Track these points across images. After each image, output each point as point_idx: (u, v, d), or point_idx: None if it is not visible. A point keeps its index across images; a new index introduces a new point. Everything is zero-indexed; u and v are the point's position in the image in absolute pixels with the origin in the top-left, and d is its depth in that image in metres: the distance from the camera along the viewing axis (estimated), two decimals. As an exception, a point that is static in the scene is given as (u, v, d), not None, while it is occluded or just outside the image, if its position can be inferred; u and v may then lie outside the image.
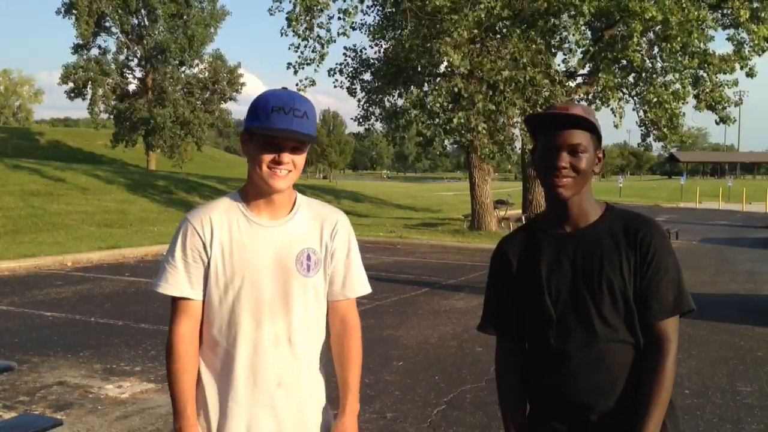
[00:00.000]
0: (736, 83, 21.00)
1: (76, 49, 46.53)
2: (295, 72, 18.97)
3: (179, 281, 1.94)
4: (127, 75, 49.61)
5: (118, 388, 5.57)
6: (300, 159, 1.95)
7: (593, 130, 1.91)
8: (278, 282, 1.97)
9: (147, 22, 47.93)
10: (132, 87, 49.61)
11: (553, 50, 18.99)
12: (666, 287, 1.89)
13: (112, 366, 6.20)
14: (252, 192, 1.99)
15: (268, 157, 1.89)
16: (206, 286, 1.95)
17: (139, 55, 48.66)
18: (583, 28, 18.59)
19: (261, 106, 1.91)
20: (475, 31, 17.57)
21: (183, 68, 49.61)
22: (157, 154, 48.25)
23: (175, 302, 1.96)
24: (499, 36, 18.15)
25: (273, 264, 1.96)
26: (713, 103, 20.39)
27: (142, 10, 47.46)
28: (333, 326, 2.11)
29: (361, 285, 2.13)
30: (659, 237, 1.92)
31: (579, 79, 21.39)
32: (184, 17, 48.05)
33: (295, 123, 1.88)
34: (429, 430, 4.80)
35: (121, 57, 48.76)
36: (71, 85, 45.92)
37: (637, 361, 1.89)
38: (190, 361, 1.96)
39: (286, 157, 1.90)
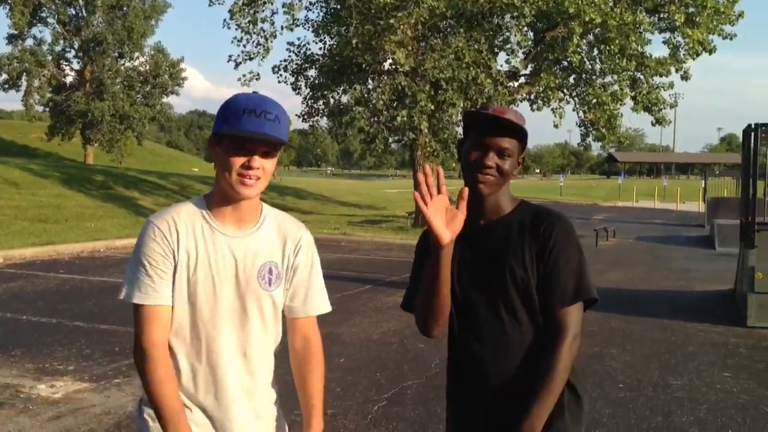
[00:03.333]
0: (671, 86, 21.68)
1: (10, 39, 44.96)
2: (236, 66, 18.78)
3: (153, 288, 1.85)
4: (64, 67, 48.15)
5: (51, 388, 5.41)
6: (270, 164, 1.87)
7: (522, 137, 2.02)
8: (238, 294, 1.92)
9: (85, 13, 46.60)
10: (69, 79, 48.15)
11: (495, 50, 19.24)
12: (566, 276, 1.96)
13: (45, 365, 6.01)
14: (218, 199, 1.92)
15: (238, 162, 1.82)
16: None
17: (76, 47, 47.30)
18: (525, 29, 18.91)
19: (231, 109, 1.84)
20: (420, 28, 17.68)
21: (122, 61, 48.40)
22: (95, 148, 46.96)
23: (144, 309, 1.85)
24: (442, 35, 18.29)
25: (235, 276, 1.92)
26: (650, 105, 20.98)
27: (80, 1, 46.13)
28: (294, 344, 2.08)
29: (323, 303, 2.10)
30: (561, 228, 2.00)
31: (522, 80, 21.73)
32: (124, 8, 46.87)
33: (266, 126, 1.81)
34: (369, 425, 4.82)
35: (58, 48, 47.31)
36: (5, 76, 44.32)
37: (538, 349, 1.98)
38: (169, 367, 1.86)
39: (257, 161, 1.83)
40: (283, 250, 2.00)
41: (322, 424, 2.09)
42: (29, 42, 46.21)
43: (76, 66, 48.38)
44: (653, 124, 21.91)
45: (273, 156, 1.88)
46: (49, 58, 46.49)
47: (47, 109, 47.38)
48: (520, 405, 1.91)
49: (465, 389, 2.08)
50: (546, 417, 1.88)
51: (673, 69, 20.91)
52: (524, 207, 2.09)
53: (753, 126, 8.73)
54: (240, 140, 1.82)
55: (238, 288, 1.92)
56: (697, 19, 19.51)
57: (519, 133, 2.00)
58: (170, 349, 1.90)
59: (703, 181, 30.27)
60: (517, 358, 1.98)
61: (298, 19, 18.80)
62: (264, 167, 1.85)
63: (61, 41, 47.08)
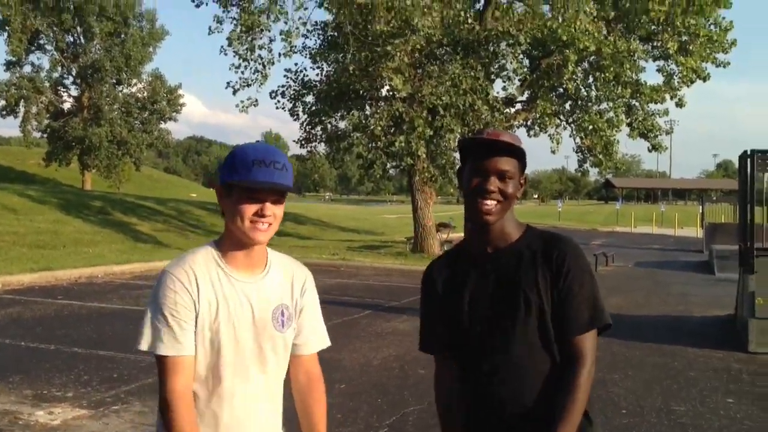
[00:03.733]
0: (666, 113, 21.83)
1: (9, 66, 45.27)
2: (234, 92, 18.90)
3: (175, 338, 1.87)
4: (61, 93, 48.43)
5: (49, 414, 5.36)
6: (280, 211, 1.95)
7: (521, 158, 2.00)
8: (256, 338, 1.98)
9: (83, 40, 46.98)
10: (67, 105, 48.42)
11: (492, 77, 19.39)
12: (581, 303, 1.95)
13: (43, 391, 5.96)
14: (230, 246, 1.98)
15: (250, 211, 1.88)
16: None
17: (74, 73, 47.59)
18: (520, 56, 19.07)
19: (240, 160, 1.90)
20: (417, 55, 17.83)
21: (120, 87, 48.70)
22: (93, 174, 47.08)
23: (167, 360, 1.87)
24: (439, 62, 18.43)
25: (252, 320, 1.97)
26: (645, 131, 21.11)
27: (78, 28, 46.50)
28: (297, 380, 2.14)
29: (324, 339, 2.18)
30: (573, 254, 1.98)
31: (518, 106, 21.87)
32: (122, 36, 47.30)
33: (276, 175, 1.88)
34: (371, 453, 4.77)
35: (55, 75, 47.58)
36: (3, 102, 44.63)
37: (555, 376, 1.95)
38: (192, 417, 1.89)
39: (269, 209, 1.90)
40: (291, 292, 2.08)
41: None
42: (27, 69, 46.64)
43: (74, 92, 48.81)
44: (650, 150, 22.04)
45: (282, 202, 1.95)
46: (47, 84, 46.82)
47: (45, 135, 47.55)
48: None
49: (475, 418, 2.06)
50: None
51: (667, 96, 21.07)
52: (531, 232, 2.07)
53: (749, 152, 8.78)
54: (252, 190, 1.88)
55: (255, 332, 1.97)
56: (691, 48, 19.71)
57: (517, 153, 1.98)
58: (195, 396, 1.92)
59: (701, 207, 30.35)
60: (531, 387, 1.95)
61: (296, 46, 18.95)
62: (275, 214, 1.92)
63: (59, 68, 47.45)
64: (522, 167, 2.03)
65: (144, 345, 1.89)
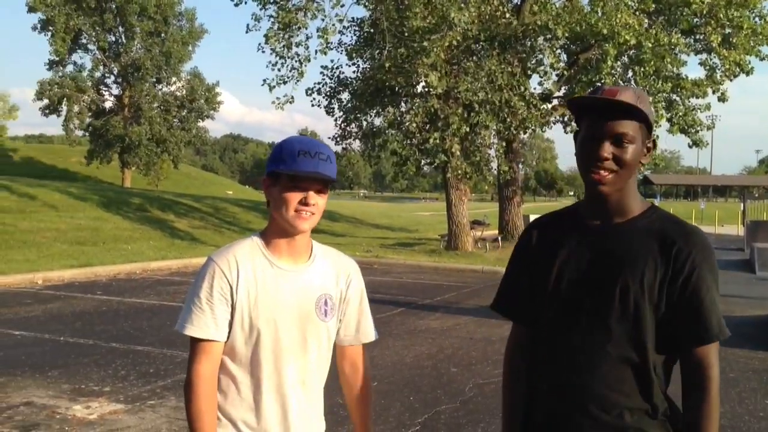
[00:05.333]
0: (708, 107, 21.36)
1: (52, 65, 46.22)
2: (270, 89, 19.01)
3: (205, 323, 1.95)
4: (103, 92, 49.33)
5: (87, 409, 5.45)
6: (323, 201, 2.00)
7: (644, 118, 1.75)
8: (298, 326, 2.01)
9: (124, 39, 47.78)
10: (108, 104, 49.34)
11: (528, 73, 19.20)
12: (709, 310, 1.72)
13: (81, 386, 6.07)
14: (274, 235, 2.04)
15: (295, 199, 1.95)
16: (231, 328, 1.97)
17: (115, 72, 48.44)
18: (558, 51, 18.85)
19: (286, 151, 1.97)
20: (453, 50, 17.73)
21: (160, 86, 49.43)
22: (132, 172, 47.89)
23: (197, 343, 1.96)
24: (475, 57, 18.31)
25: (294, 308, 2.01)
26: (686, 127, 20.71)
27: (120, 27, 47.33)
28: (344, 371, 2.20)
29: (371, 331, 2.21)
30: (701, 250, 1.74)
31: (555, 102, 21.63)
32: (162, 35, 48.00)
33: (320, 166, 1.94)
34: (402, 451, 4.76)
35: (97, 74, 48.49)
36: (46, 101, 45.56)
37: (635, 382, 1.75)
38: (212, 402, 1.96)
39: (312, 198, 1.95)
40: (336, 282, 2.12)
41: None
42: (70, 68, 47.60)
43: (115, 91, 49.62)
44: (690, 146, 21.62)
45: (325, 192, 2.01)
46: (89, 83, 47.73)
47: (87, 134, 48.48)
48: None
49: (540, 400, 1.86)
50: None
51: (709, 90, 20.64)
52: (654, 212, 1.81)
53: (794, 147, 8.55)
54: (297, 179, 1.94)
55: (297, 320, 2.01)
56: (734, 40, 19.27)
57: (638, 114, 1.72)
58: (234, 381, 1.99)
59: (742, 204, 29.70)
60: (607, 386, 1.74)
61: (332, 43, 18.99)
62: (318, 203, 1.98)
63: (101, 67, 48.31)
64: (647, 129, 1.76)
65: (177, 325, 1.98)
